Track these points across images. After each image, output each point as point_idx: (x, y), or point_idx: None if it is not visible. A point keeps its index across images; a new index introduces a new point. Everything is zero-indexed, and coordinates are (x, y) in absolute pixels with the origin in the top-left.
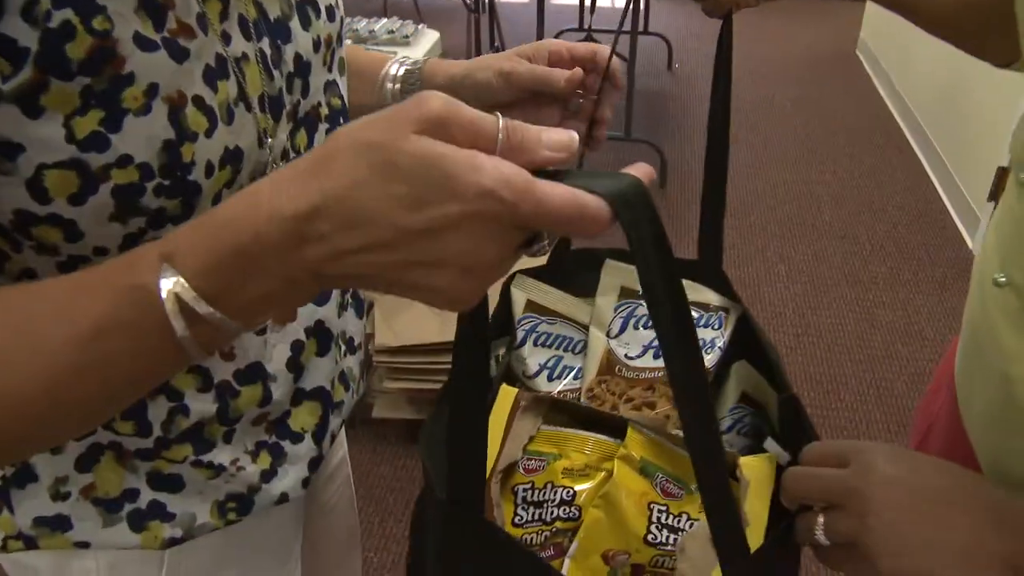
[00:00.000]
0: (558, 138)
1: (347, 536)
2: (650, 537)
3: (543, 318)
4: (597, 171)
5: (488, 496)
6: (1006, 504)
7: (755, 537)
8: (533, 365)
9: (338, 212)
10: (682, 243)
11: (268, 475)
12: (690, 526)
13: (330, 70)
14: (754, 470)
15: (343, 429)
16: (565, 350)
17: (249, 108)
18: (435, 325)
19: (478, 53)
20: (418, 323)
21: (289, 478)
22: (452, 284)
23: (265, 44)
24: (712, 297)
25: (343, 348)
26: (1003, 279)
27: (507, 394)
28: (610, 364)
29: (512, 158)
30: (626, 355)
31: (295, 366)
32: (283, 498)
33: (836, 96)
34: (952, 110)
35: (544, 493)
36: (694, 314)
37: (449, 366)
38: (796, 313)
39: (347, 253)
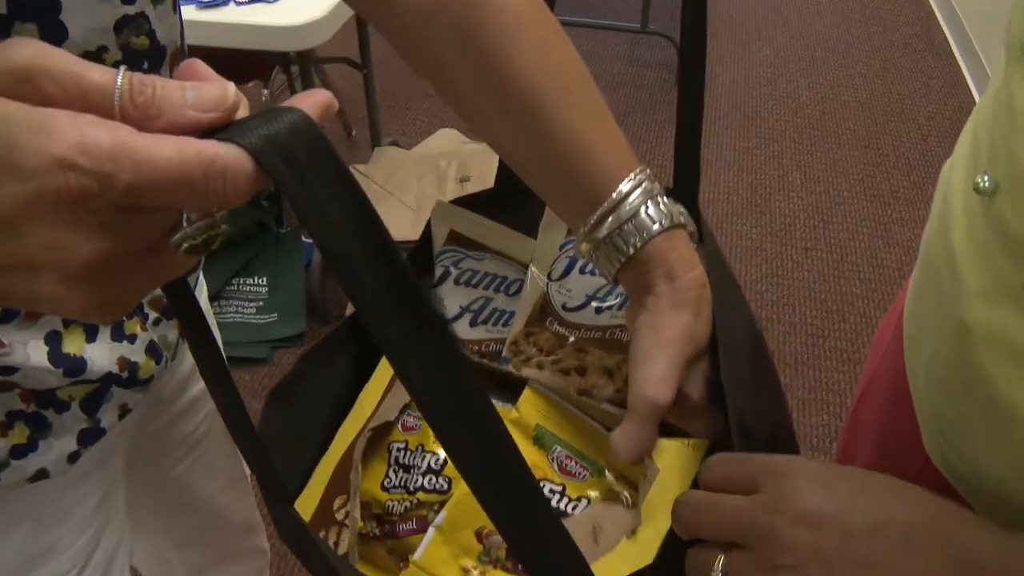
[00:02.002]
0: (209, 94)
1: (229, 466)
2: None
3: (469, 252)
4: (257, 114)
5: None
6: (978, 552)
7: (648, 548)
8: (453, 307)
9: None
10: None
11: (22, 450)
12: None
13: (127, 0)
14: (667, 456)
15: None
16: (496, 291)
17: None
18: (410, 222)
19: None
20: (393, 220)
21: (52, 452)
22: (60, 294)
23: None
24: None
25: (151, 317)
26: (986, 182)
27: None
28: (543, 313)
29: (143, 123)
30: (564, 305)
31: (60, 359)
32: (40, 474)
33: None
34: (1003, 14)
35: (414, 457)
36: None
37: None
38: (807, 225)
39: None
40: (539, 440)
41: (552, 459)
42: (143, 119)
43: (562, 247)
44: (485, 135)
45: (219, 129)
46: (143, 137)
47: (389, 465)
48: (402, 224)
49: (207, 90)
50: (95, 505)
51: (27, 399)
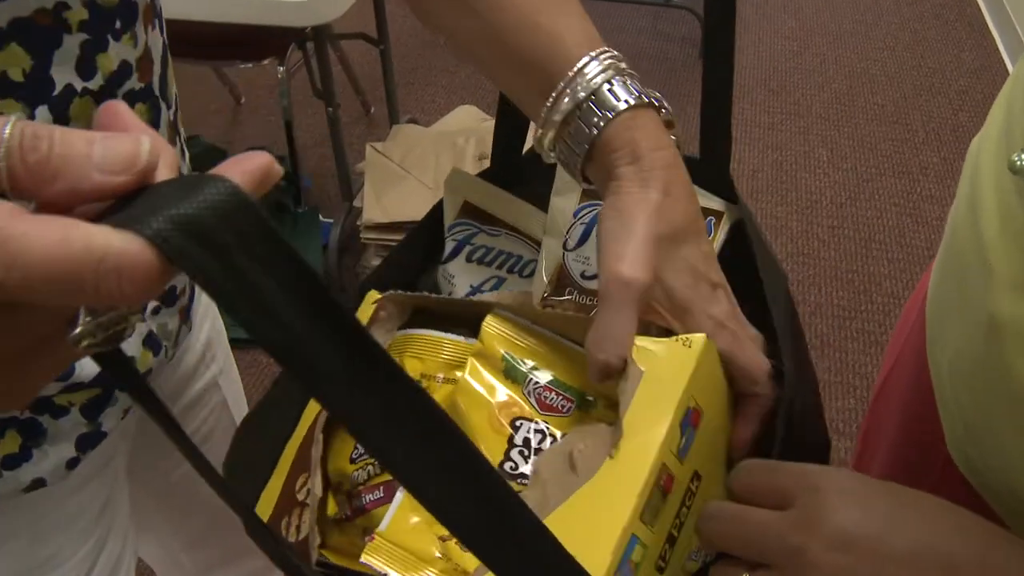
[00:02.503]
0: (120, 151)
1: None
2: (508, 467)
3: (483, 227)
4: (179, 180)
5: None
6: None
7: (635, 467)
8: (463, 285)
9: None
10: None
11: (14, 459)
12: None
13: None
14: (655, 358)
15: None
16: (510, 271)
17: None
18: (428, 201)
19: None
20: (410, 199)
21: (48, 460)
22: None
23: None
24: (714, 201)
25: (148, 307)
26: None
27: (369, 301)
28: (560, 284)
29: (37, 188)
30: (582, 273)
31: None
32: (37, 484)
33: None
34: None
35: None
36: None
37: None
38: (834, 203)
39: None
40: (510, 372)
41: (529, 393)
42: (37, 183)
43: (576, 214)
44: (436, 21)
45: (129, 197)
46: (23, 221)
47: None
48: (419, 204)
49: (117, 146)
50: (97, 513)
51: None
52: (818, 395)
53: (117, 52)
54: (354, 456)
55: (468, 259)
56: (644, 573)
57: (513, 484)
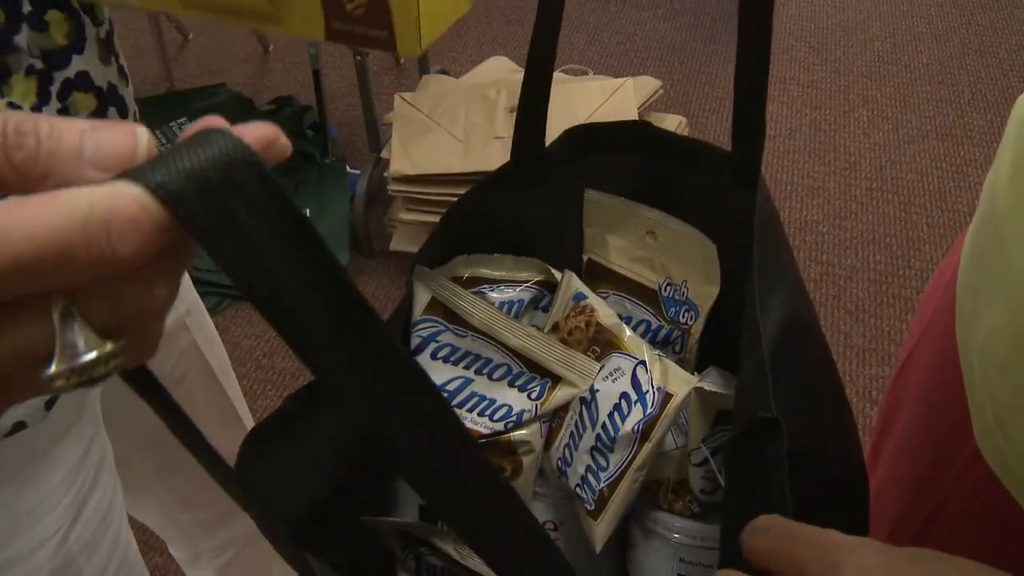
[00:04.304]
0: (114, 145)
1: (217, 406)
2: None
3: (450, 326)
4: (192, 141)
5: None
6: None
7: None
8: None
9: None
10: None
11: None
12: None
13: None
14: None
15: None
16: (478, 372)
17: None
18: (457, 154)
19: None
20: (438, 151)
21: (28, 403)
22: None
23: None
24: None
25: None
26: None
27: None
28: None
29: (27, 186)
30: None
31: None
32: (18, 427)
33: None
34: None
35: None
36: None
37: None
38: (873, 165)
39: None
40: None
41: None
42: (25, 182)
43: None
44: None
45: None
46: (9, 203)
47: None
48: (448, 156)
49: (111, 139)
50: (79, 458)
51: None
52: (843, 429)
53: None
54: None
55: (433, 357)
56: None
57: None
